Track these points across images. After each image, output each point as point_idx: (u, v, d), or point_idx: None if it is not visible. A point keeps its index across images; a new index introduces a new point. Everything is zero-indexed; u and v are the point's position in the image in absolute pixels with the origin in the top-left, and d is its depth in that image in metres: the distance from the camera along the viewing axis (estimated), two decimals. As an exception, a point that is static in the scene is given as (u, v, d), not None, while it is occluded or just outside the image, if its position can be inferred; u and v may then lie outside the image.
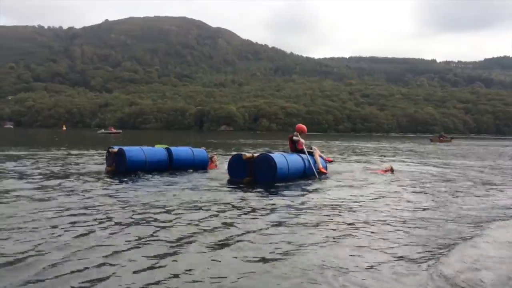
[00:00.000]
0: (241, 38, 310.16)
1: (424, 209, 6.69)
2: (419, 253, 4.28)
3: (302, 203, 6.96)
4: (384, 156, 21.16)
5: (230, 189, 8.42)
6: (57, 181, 8.88)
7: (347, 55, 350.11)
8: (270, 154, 9.53)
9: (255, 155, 9.59)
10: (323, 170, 10.75)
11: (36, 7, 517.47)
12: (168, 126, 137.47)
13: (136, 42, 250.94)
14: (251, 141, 40.94)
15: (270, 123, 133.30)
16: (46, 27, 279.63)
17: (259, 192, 7.99)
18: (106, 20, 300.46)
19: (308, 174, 10.25)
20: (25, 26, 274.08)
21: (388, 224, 5.58)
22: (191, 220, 5.45)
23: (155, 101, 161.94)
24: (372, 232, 5.08)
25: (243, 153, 9.80)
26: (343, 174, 11.51)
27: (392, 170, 12.01)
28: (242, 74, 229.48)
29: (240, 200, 7.06)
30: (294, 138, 10.82)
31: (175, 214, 5.84)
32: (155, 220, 5.44)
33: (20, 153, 18.19)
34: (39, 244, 4.24)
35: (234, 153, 10.90)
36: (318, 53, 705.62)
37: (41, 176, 9.72)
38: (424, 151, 27.72)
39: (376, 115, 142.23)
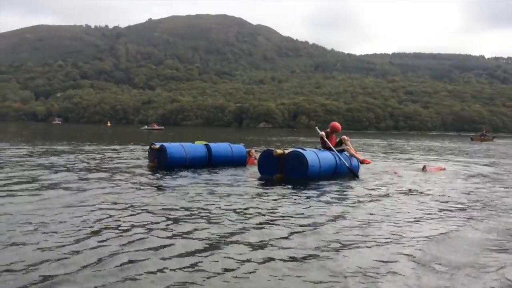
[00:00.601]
0: (281, 35, 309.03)
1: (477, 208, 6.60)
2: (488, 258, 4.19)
3: (335, 201, 6.98)
4: (420, 156, 20.66)
5: (261, 186, 8.47)
6: (101, 175, 9.35)
7: (390, 51, 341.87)
8: (302, 151, 9.41)
9: (286, 151, 9.50)
10: (367, 161, 10.71)
11: (84, 7, 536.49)
12: (208, 123, 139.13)
13: (178, 40, 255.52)
14: (289, 138, 40.92)
15: (309, 120, 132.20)
16: (93, 26, 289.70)
17: (289, 189, 7.99)
18: (150, 19, 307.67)
19: (340, 172, 10.07)
20: (73, 26, 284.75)
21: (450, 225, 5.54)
22: (223, 218, 5.61)
23: (195, 98, 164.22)
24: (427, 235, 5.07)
25: (273, 149, 9.79)
26: (379, 172, 11.39)
27: (424, 168, 11.84)
28: (282, 71, 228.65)
29: (268, 197, 7.15)
30: (321, 133, 10.62)
31: (210, 212, 5.99)
32: (192, 216, 5.67)
33: (67, 147, 19.12)
34: (83, 239, 4.55)
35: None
36: (359, 49, 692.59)
37: (85, 171, 10.23)
38: (465, 150, 26.80)
39: (420, 113, 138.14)
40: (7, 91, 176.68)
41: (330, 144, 10.50)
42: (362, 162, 10.89)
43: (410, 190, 8.49)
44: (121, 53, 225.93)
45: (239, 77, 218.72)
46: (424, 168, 11.85)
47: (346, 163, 10.12)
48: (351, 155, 10.54)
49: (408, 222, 5.60)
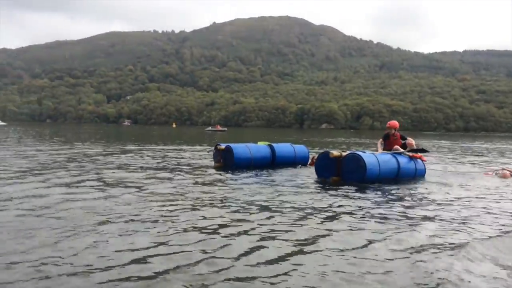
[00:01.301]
0: (344, 34, 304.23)
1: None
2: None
3: (391, 207, 6.68)
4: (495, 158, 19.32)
5: (318, 188, 8.29)
6: (168, 175, 9.66)
7: (460, 49, 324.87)
8: (360, 153, 9.07)
9: (344, 153, 9.22)
10: (424, 159, 10.22)
11: (152, 14, 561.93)
12: (270, 124, 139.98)
13: (241, 43, 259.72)
14: (352, 139, 40.07)
15: (373, 121, 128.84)
16: (160, 31, 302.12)
17: (345, 192, 7.71)
18: (214, 23, 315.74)
19: (403, 176, 9.59)
20: (142, 32, 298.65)
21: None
22: (281, 217, 5.57)
23: (257, 99, 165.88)
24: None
25: (330, 151, 9.56)
26: (448, 176, 10.80)
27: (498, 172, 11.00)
28: (345, 71, 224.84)
29: (322, 200, 6.97)
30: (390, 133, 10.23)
31: (271, 212, 5.98)
32: (254, 214, 5.68)
33: (136, 147, 20.02)
34: (158, 235, 4.69)
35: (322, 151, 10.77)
36: (427, 47, 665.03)
37: (153, 169, 10.63)
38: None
39: (493, 113, 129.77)
40: (82, 94, 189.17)
41: (397, 146, 10.16)
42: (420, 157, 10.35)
43: (487, 194, 7.96)
44: (186, 57, 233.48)
45: (301, 78, 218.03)
46: (498, 172, 11.02)
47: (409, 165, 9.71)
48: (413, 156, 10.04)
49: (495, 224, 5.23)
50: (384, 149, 10.24)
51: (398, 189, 8.34)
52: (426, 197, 7.54)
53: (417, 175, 10.02)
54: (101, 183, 8.06)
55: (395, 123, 10.54)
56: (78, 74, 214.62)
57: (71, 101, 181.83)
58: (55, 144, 21.84)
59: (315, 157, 12.24)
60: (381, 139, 10.55)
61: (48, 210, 5.56)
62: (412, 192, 8.19)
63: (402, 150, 10.11)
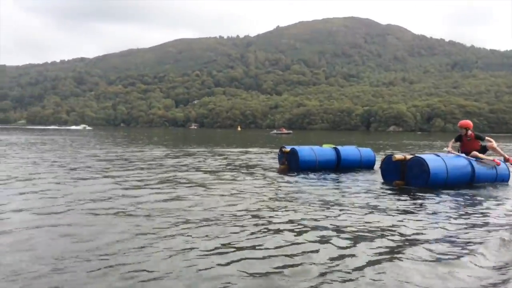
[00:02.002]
0: (413, 33, 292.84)
1: None
2: None
3: (455, 217, 6.27)
4: None
5: (380, 192, 7.99)
6: (235, 176, 9.81)
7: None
8: (424, 157, 8.56)
9: (408, 156, 8.78)
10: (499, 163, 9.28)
11: (217, 20, 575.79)
12: (335, 127, 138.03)
13: (304, 45, 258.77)
14: (422, 142, 38.36)
15: (445, 123, 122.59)
16: (225, 37, 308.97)
17: (407, 198, 7.36)
18: (278, 26, 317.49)
19: (480, 181, 8.85)
20: (208, 38, 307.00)
21: None
22: (350, 221, 5.45)
23: (321, 102, 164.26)
24: None
25: (394, 154, 9.19)
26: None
27: None
28: (414, 71, 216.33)
29: (385, 202, 6.74)
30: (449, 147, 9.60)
31: (336, 214, 5.89)
32: (322, 218, 5.61)
33: (203, 150, 20.57)
34: (228, 236, 4.77)
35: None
36: (505, 44, 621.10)
37: (219, 172, 10.85)
38: None
39: None
40: (152, 99, 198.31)
41: (475, 152, 9.31)
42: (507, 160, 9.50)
43: None
44: (250, 61, 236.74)
45: (367, 79, 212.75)
46: None
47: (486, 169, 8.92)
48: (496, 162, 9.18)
49: None
50: (460, 152, 9.56)
51: (473, 196, 7.77)
52: (502, 203, 7.02)
53: (499, 181, 9.12)
54: (173, 184, 8.37)
55: (467, 122, 9.74)
56: (149, 80, 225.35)
57: (142, 106, 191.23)
58: (134, 146, 23.09)
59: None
60: (452, 139, 9.91)
61: (128, 209, 5.87)
62: (487, 197, 7.62)
63: (482, 156, 9.23)
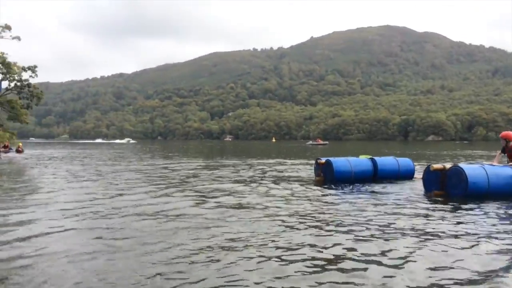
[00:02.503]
0: (451, 40, 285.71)
1: None
2: None
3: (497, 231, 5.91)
4: None
5: (416, 202, 7.76)
6: (270, 188, 9.75)
7: None
8: (462, 166, 8.28)
9: (447, 166, 8.55)
10: None
11: (251, 33, 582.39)
12: (371, 137, 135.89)
13: (339, 55, 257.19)
14: (464, 152, 37.07)
15: (487, 131, 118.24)
16: (259, 49, 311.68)
17: (446, 208, 7.11)
18: (312, 37, 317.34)
19: None
20: (242, 50, 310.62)
21: None
22: (385, 234, 5.27)
23: (357, 112, 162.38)
24: None
25: (432, 164, 8.94)
26: None
27: None
28: (453, 79, 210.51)
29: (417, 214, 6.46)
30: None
31: (369, 226, 5.72)
32: (353, 230, 5.45)
33: (238, 161, 20.65)
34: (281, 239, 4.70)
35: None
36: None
37: (256, 183, 10.81)
38: None
39: None
40: (188, 112, 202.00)
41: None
42: None
43: None
44: (284, 72, 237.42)
45: (404, 88, 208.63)
46: None
47: None
48: None
49: None
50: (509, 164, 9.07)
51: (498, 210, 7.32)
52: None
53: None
54: (215, 196, 8.41)
55: (507, 133, 9.25)
56: (185, 94, 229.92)
57: (179, 119, 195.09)
58: (181, 157, 23.51)
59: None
60: (499, 151, 9.48)
61: (175, 219, 5.94)
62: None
63: None
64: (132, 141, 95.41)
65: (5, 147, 30.19)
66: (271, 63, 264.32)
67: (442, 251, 4.51)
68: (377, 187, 9.91)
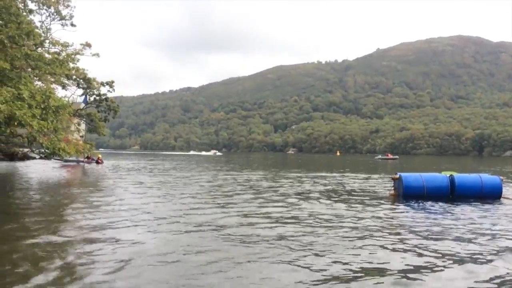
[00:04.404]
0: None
1: None
2: None
3: None
4: None
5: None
6: (342, 203, 9.63)
7: None
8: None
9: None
10: None
11: (316, 45, 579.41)
12: (442, 151, 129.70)
13: (407, 67, 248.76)
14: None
15: None
16: (323, 62, 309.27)
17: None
18: (378, 49, 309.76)
19: None
20: (306, 63, 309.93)
21: None
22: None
23: (426, 125, 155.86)
24: None
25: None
26: None
27: None
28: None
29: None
30: None
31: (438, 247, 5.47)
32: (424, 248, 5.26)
33: (303, 174, 20.54)
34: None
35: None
36: None
37: (325, 197, 10.72)
38: None
39: None
40: (252, 125, 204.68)
41: None
42: None
43: None
44: (349, 85, 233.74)
45: (478, 100, 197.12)
46: None
47: None
48: None
49: None
50: None
51: None
52: None
53: None
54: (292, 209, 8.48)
55: None
56: (249, 107, 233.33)
57: (243, 132, 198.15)
58: (239, 170, 24.01)
59: None
60: None
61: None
62: None
63: None
64: (218, 153, 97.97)
65: (88, 158, 32.15)
66: (336, 75, 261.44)
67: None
68: (451, 205, 9.45)
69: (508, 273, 4.32)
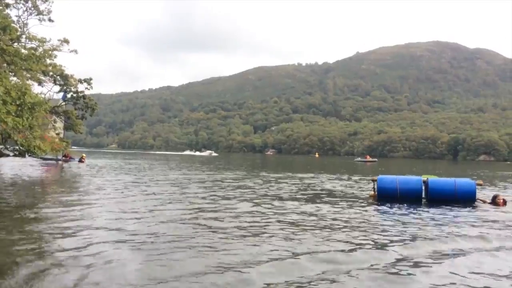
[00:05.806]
0: (504, 56, 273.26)
1: None
2: None
3: None
4: None
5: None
6: (324, 204, 9.76)
7: None
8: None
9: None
10: None
11: (296, 47, 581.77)
12: (418, 155, 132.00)
13: (385, 71, 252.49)
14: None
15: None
16: (304, 64, 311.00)
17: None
18: (357, 52, 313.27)
19: None
20: (287, 65, 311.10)
21: None
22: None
23: (404, 129, 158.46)
24: None
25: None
26: None
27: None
28: (506, 97, 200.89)
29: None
30: None
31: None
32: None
33: (281, 175, 20.67)
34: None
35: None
36: None
37: (304, 198, 10.84)
38: None
39: None
40: (232, 126, 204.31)
41: None
42: None
43: None
44: (329, 87, 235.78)
45: (454, 105, 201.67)
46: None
47: None
48: None
49: None
50: None
51: None
52: None
53: None
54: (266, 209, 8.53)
55: None
56: (229, 107, 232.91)
57: (222, 132, 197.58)
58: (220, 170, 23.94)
59: (500, 197, 10.68)
60: None
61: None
62: None
63: None
64: (214, 154, 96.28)
65: (65, 156, 31.66)
66: (316, 78, 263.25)
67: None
68: (424, 207, 9.66)
69: (464, 276, 4.47)
